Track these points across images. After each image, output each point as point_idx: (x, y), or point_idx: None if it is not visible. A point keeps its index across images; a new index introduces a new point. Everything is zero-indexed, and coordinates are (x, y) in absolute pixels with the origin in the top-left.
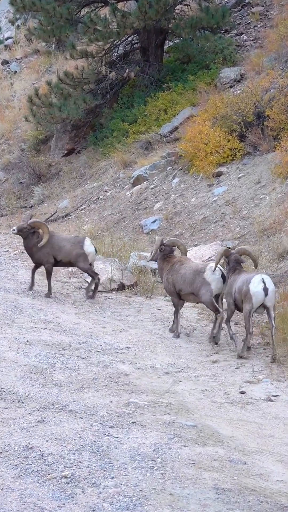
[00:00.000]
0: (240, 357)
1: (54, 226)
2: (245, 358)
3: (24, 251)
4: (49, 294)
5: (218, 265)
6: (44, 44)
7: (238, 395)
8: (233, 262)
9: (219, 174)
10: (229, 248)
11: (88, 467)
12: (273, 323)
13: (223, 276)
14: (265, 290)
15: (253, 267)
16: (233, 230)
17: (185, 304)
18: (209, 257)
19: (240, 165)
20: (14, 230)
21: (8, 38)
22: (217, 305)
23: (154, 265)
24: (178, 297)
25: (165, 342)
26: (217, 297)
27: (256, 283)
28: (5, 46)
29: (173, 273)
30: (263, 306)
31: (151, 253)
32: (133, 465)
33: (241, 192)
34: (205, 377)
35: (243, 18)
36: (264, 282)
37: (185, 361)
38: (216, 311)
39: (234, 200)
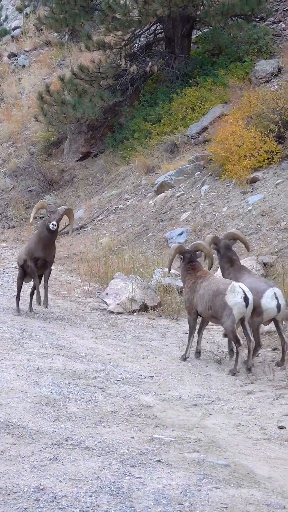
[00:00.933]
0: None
1: (68, 239)
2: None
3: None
4: (46, 302)
5: (240, 285)
6: (56, 34)
7: (277, 430)
8: (223, 249)
9: (254, 180)
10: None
11: (106, 511)
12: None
13: (246, 298)
14: (278, 306)
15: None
16: (270, 243)
17: (214, 326)
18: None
19: (278, 170)
20: (54, 225)
21: (16, 28)
22: (238, 336)
23: (181, 283)
24: (197, 317)
25: (193, 370)
26: (242, 321)
27: (269, 299)
28: (12, 37)
29: (194, 294)
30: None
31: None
32: (158, 509)
33: (279, 201)
34: (238, 409)
35: (281, 4)
36: (277, 298)
37: (216, 391)
38: (237, 342)
39: (272, 210)
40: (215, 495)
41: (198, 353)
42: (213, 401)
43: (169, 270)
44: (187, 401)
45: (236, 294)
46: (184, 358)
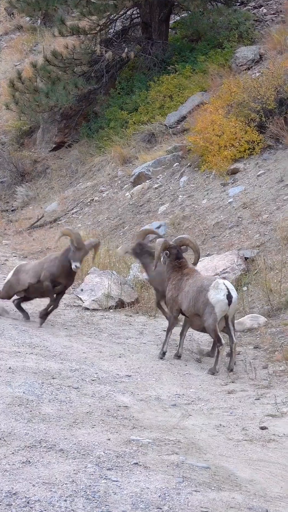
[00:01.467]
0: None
1: (41, 232)
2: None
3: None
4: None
5: (224, 281)
6: (28, 19)
7: (259, 431)
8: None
9: (235, 172)
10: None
11: None
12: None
13: (229, 296)
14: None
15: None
16: (252, 237)
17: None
18: (224, 269)
19: (259, 160)
20: (77, 266)
21: None
22: (219, 335)
23: None
24: (178, 314)
25: (172, 369)
26: (227, 319)
27: (218, 291)
28: None
29: (178, 291)
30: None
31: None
32: None
33: (261, 193)
34: (219, 410)
35: None
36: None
37: (196, 391)
38: (218, 341)
39: (253, 202)
40: (195, 498)
41: (178, 356)
42: (192, 401)
43: (155, 267)
44: (166, 401)
45: (219, 291)
46: (162, 353)
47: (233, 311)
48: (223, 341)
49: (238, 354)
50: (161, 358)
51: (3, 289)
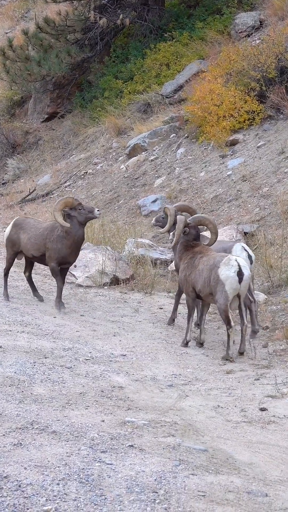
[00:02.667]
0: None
1: (33, 206)
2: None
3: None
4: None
5: (237, 259)
6: None
7: (258, 413)
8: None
9: (234, 143)
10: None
11: (75, 500)
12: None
13: (240, 273)
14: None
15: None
16: (251, 211)
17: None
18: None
19: (259, 131)
20: (99, 211)
21: None
22: (230, 317)
23: (155, 254)
24: (197, 297)
25: (169, 349)
26: (239, 298)
27: (228, 267)
28: None
29: (192, 269)
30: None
31: (173, 236)
32: (130, 497)
33: (261, 165)
34: (217, 390)
35: None
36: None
37: (193, 371)
38: (228, 323)
39: (253, 175)
40: (192, 482)
41: (200, 344)
42: (189, 381)
43: (174, 246)
44: (162, 382)
45: (229, 267)
46: (185, 343)
47: (245, 290)
48: (232, 323)
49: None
50: (185, 346)
51: (7, 249)
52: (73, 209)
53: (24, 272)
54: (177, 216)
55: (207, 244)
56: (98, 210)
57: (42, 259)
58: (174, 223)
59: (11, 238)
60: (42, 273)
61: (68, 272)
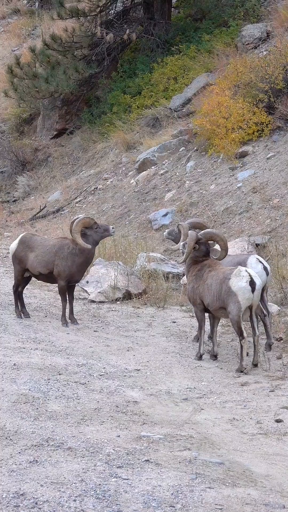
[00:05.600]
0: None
1: (44, 223)
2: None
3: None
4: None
5: (247, 269)
6: (25, 1)
7: (274, 424)
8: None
9: (243, 155)
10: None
11: None
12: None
13: (252, 283)
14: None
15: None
16: (262, 222)
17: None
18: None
19: (269, 142)
20: (113, 228)
21: None
22: (242, 328)
23: (167, 268)
24: (205, 310)
25: (183, 362)
26: (251, 309)
27: (240, 278)
28: None
29: (200, 283)
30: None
31: (184, 252)
32: None
33: (271, 176)
34: (232, 403)
35: None
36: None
37: (208, 384)
38: (240, 334)
39: (263, 186)
40: (209, 495)
41: (214, 356)
42: (204, 394)
43: (185, 261)
44: (177, 396)
45: (241, 278)
46: (199, 356)
47: (257, 300)
48: (245, 335)
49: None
50: (199, 359)
51: (14, 266)
52: (89, 229)
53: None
54: (189, 232)
55: (216, 258)
56: (113, 228)
57: (49, 277)
58: None
59: (18, 255)
60: (54, 290)
61: (80, 288)
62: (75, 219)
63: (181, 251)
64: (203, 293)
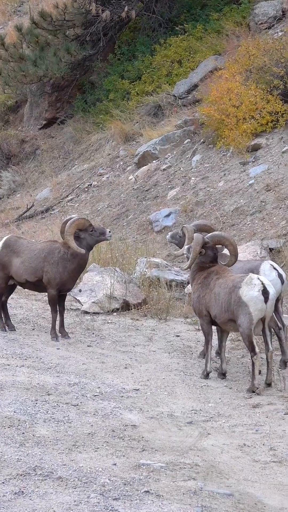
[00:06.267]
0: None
1: (31, 225)
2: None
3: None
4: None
5: (259, 277)
6: None
7: None
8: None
9: (256, 148)
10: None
11: None
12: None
13: (265, 292)
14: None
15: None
16: (277, 224)
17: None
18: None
19: (284, 134)
20: (110, 231)
21: None
22: (254, 343)
23: (170, 275)
24: (212, 323)
25: (187, 381)
26: (264, 322)
27: (251, 286)
28: None
29: (206, 291)
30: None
31: (189, 258)
32: None
33: (286, 172)
34: (243, 427)
35: None
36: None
37: (215, 406)
38: (252, 350)
39: (278, 183)
40: None
41: (223, 374)
42: (211, 417)
43: (189, 267)
44: (180, 419)
45: (252, 286)
46: (205, 374)
47: (270, 311)
48: (257, 350)
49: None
50: (206, 378)
51: None
52: (84, 231)
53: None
54: (194, 234)
55: (225, 264)
56: (109, 232)
57: (37, 285)
58: None
59: (1, 261)
60: (43, 299)
61: (72, 298)
62: (68, 220)
63: (185, 256)
64: (209, 303)
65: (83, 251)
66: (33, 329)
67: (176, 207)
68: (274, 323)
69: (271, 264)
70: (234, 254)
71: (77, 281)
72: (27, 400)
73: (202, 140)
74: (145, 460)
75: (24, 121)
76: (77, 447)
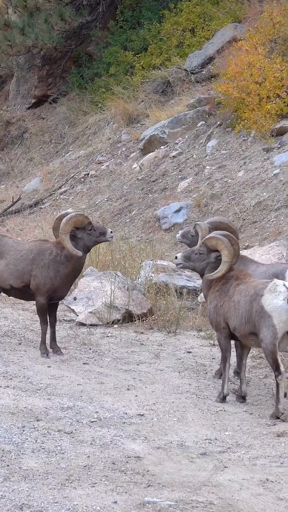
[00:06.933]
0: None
1: (17, 221)
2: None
3: None
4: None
5: (285, 283)
6: None
7: None
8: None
9: (281, 132)
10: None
11: None
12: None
13: None
14: None
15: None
16: None
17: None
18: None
19: None
20: (112, 232)
21: None
22: (279, 361)
23: (180, 281)
24: (231, 337)
25: (200, 405)
26: None
27: (275, 294)
28: None
29: (225, 300)
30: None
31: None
32: None
33: None
34: (265, 459)
35: None
36: None
37: (233, 434)
38: (277, 369)
39: None
40: None
41: (242, 397)
42: (229, 448)
43: (223, 275)
44: (192, 449)
45: (277, 294)
46: (222, 397)
47: None
48: (282, 369)
49: None
50: (222, 401)
51: None
52: (81, 230)
53: None
54: (200, 224)
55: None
56: (111, 232)
57: (24, 292)
58: None
59: None
60: (31, 309)
61: (66, 307)
62: (64, 216)
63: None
64: (228, 314)
65: (79, 253)
66: (20, 344)
67: (188, 201)
68: None
69: None
70: (237, 255)
71: (71, 287)
72: (13, 427)
73: (218, 123)
74: (150, 497)
75: (10, 100)
76: (71, 482)
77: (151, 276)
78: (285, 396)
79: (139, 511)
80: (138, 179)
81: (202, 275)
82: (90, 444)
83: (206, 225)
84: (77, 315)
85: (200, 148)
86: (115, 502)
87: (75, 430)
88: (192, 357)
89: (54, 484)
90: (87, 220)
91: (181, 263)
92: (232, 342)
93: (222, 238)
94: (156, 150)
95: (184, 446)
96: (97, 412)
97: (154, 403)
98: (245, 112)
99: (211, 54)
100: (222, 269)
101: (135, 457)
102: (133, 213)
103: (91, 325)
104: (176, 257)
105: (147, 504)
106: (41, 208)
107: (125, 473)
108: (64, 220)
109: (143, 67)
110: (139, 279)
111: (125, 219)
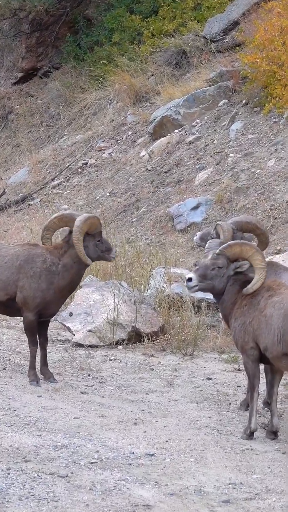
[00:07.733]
0: None
1: (1, 219)
2: None
3: None
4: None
5: None
6: None
7: None
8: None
9: None
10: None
11: None
12: None
13: None
14: None
15: None
16: None
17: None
18: None
19: None
20: (115, 251)
21: None
22: None
23: (199, 293)
24: (260, 360)
25: (223, 443)
26: None
27: None
28: None
29: (254, 314)
30: None
31: None
32: None
33: None
34: None
35: None
36: None
37: (263, 478)
38: None
39: None
40: None
41: (273, 433)
42: (257, 494)
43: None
44: (213, 496)
45: None
46: (249, 433)
47: None
48: None
49: None
50: (249, 438)
51: None
52: (91, 236)
53: None
54: (222, 223)
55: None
56: (115, 252)
57: (8, 307)
58: None
59: None
60: (17, 327)
61: (59, 324)
62: (66, 216)
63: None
64: (259, 331)
65: (89, 260)
66: (4, 369)
67: (208, 196)
68: None
69: None
70: (266, 242)
71: (67, 300)
72: None
73: (244, 101)
74: None
75: None
76: None
77: (163, 287)
78: None
79: None
80: (147, 169)
81: (220, 296)
82: (90, 490)
83: (230, 226)
84: (74, 334)
85: (222, 132)
86: None
87: (71, 473)
88: (212, 384)
89: None
90: (100, 227)
91: (196, 285)
92: (262, 366)
93: (247, 243)
94: (168, 134)
95: (203, 492)
96: (97, 451)
97: (167, 441)
98: (276, 88)
99: (235, 18)
100: (260, 277)
101: (143, 505)
102: (141, 210)
103: (90, 346)
104: (188, 279)
105: None
106: (29, 204)
107: None
108: (81, 218)
109: (153, 34)
110: (149, 290)
111: (132, 218)
